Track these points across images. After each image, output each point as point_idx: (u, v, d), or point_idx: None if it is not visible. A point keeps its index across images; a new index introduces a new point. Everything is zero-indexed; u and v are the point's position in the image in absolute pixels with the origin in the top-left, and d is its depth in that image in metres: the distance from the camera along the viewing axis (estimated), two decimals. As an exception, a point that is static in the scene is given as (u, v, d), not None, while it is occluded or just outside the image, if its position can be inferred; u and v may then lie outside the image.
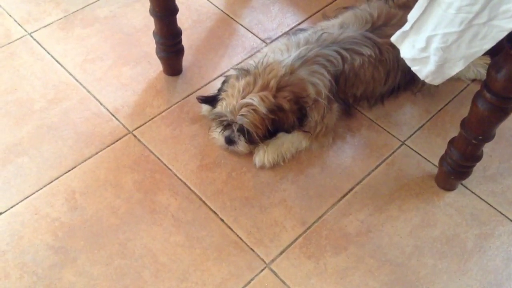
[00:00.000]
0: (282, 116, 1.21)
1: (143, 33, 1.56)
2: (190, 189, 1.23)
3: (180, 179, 1.24)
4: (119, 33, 1.57)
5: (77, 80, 1.44)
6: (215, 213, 1.19)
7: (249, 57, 1.51)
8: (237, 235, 1.15)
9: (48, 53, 1.50)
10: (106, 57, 1.50)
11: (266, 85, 1.20)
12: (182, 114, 1.38)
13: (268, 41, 1.56)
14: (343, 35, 1.30)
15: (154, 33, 1.37)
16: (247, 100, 1.18)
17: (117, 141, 1.31)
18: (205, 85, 1.45)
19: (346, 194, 1.23)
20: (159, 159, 1.28)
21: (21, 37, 1.54)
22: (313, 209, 1.20)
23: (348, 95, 1.34)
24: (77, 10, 1.62)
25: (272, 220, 1.18)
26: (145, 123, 1.35)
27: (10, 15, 1.60)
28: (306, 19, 1.64)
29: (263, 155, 1.26)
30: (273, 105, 1.19)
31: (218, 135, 1.26)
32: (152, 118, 1.36)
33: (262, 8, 1.66)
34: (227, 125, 1.23)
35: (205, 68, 1.49)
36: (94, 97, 1.40)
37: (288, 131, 1.27)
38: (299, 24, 1.62)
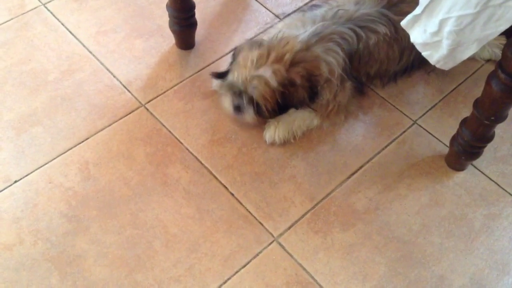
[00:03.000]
0: (293, 91, 1.21)
1: (156, 6, 1.55)
2: (201, 163, 1.24)
3: (191, 153, 1.26)
4: (132, 5, 1.56)
5: (90, 52, 1.45)
6: (225, 187, 1.20)
7: (262, 32, 1.50)
8: (247, 209, 1.17)
9: (61, 24, 1.51)
10: (119, 29, 1.50)
11: (280, 58, 1.19)
12: (194, 88, 1.38)
13: (282, 16, 1.55)
14: (359, 12, 1.29)
15: (167, 6, 1.36)
16: (259, 72, 1.18)
17: (129, 113, 1.33)
18: (218, 59, 1.45)
19: (356, 171, 1.24)
20: (171, 132, 1.29)
21: (35, 8, 1.54)
22: (322, 186, 1.21)
23: (361, 73, 1.33)
24: (92, -19, 1.62)
25: (281, 195, 1.20)
26: (158, 96, 1.36)
27: (24, -15, 1.60)
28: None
29: (274, 131, 1.26)
30: (285, 79, 1.18)
31: (227, 102, 1.25)
32: (164, 92, 1.37)
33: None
34: (238, 94, 1.22)
35: (217, 43, 1.49)
36: (107, 69, 1.41)
37: (297, 107, 1.27)
38: (313, -1, 1.60)
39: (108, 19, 1.52)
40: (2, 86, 1.36)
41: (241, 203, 1.18)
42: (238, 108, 1.23)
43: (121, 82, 1.39)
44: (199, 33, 1.46)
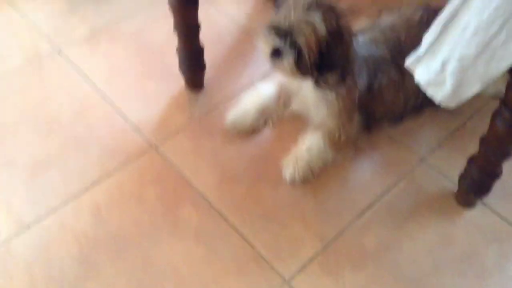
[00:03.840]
0: (338, 44, 1.14)
1: (168, 49, 1.59)
2: (211, 203, 1.25)
3: (201, 193, 1.27)
4: (144, 48, 1.61)
5: (103, 95, 1.49)
6: (234, 227, 1.21)
7: (269, 74, 1.53)
8: (256, 251, 1.17)
9: (75, 67, 1.55)
10: (131, 72, 1.54)
11: (334, 7, 1.14)
12: (203, 128, 1.41)
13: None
14: (376, 53, 1.28)
15: (177, 49, 1.40)
16: (309, 16, 1.10)
17: (140, 155, 1.35)
18: (227, 99, 1.48)
19: (366, 210, 1.24)
20: (181, 173, 1.31)
21: (49, 52, 1.59)
22: (332, 225, 1.21)
23: (369, 111, 1.33)
24: (104, 26, 1.67)
25: (291, 235, 1.20)
26: (168, 137, 1.39)
27: (39, 31, 1.66)
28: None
29: (294, 169, 1.26)
30: (334, 28, 1.12)
31: (267, 44, 1.16)
32: (175, 132, 1.40)
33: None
34: (281, 36, 1.14)
35: (226, 84, 1.52)
36: (119, 111, 1.44)
37: (328, 68, 1.18)
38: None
39: (120, 63, 1.57)
40: (17, 130, 1.40)
41: (251, 244, 1.18)
42: (277, 52, 1.14)
43: (132, 124, 1.42)
44: (208, 74, 1.50)
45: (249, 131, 1.38)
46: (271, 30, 1.14)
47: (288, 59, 1.13)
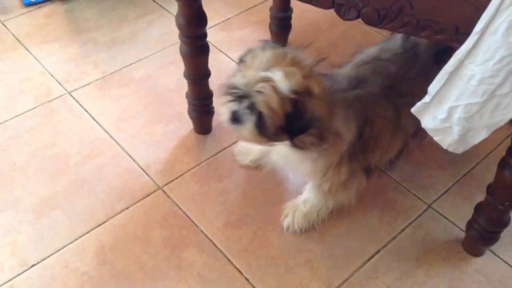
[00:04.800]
0: (307, 103, 0.97)
1: (176, 94, 1.64)
2: (216, 246, 1.24)
3: (206, 236, 1.26)
4: (153, 93, 1.65)
5: (111, 137, 1.51)
6: (240, 272, 1.19)
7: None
8: (263, 295, 1.15)
9: (85, 111, 1.58)
10: (140, 115, 1.57)
11: (299, 61, 1.00)
12: (210, 171, 1.42)
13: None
14: (365, 90, 1.13)
15: (186, 94, 1.44)
16: (267, 73, 0.96)
17: (147, 196, 1.35)
18: (233, 143, 1.49)
19: (373, 256, 1.23)
20: (186, 215, 1.31)
21: (61, 96, 1.63)
22: (339, 271, 1.20)
23: (363, 158, 1.21)
24: (114, 71, 1.72)
25: (298, 281, 1.18)
26: (175, 179, 1.39)
27: (51, 75, 1.70)
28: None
29: (291, 221, 1.25)
30: (300, 85, 0.96)
31: (225, 108, 1.02)
32: (181, 175, 1.40)
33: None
34: (239, 99, 0.99)
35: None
36: (127, 153, 1.46)
37: (298, 132, 1.01)
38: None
39: (129, 106, 1.60)
40: (25, 170, 1.41)
41: (262, 285, 1.16)
42: (236, 117, 1.00)
43: (139, 166, 1.43)
44: (216, 118, 1.52)
45: (251, 166, 1.40)
46: (229, 92, 1.01)
47: (247, 125, 0.99)
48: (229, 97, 1.01)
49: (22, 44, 1.81)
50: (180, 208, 1.32)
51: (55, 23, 1.91)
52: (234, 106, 1.00)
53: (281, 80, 0.95)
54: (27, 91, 1.64)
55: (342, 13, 1.01)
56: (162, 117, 1.58)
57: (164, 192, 1.37)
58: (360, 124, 1.10)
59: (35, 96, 1.62)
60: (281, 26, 1.76)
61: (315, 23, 1.91)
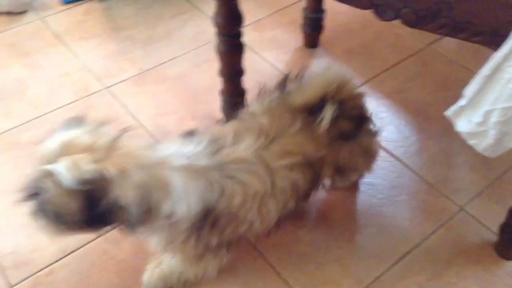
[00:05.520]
0: (105, 189, 0.84)
1: (209, 91, 1.67)
2: (248, 239, 1.27)
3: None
4: (188, 91, 1.69)
5: (148, 132, 1.55)
6: (271, 265, 1.22)
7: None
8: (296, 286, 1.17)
9: (122, 105, 1.63)
10: (175, 112, 1.61)
11: (90, 144, 0.86)
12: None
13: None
14: (234, 154, 0.98)
15: (220, 91, 1.47)
16: (48, 167, 0.83)
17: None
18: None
19: (404, 256, 1.23)
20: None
21: (99, 91, 1.68)
22: (369, 269, 1.21)
23: (219, 236, 1.02)
24: (151, 69, 1.76)
25: (328, 277, 1.20)
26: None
27: (90, 71, 1.76)
28: (363, 82, 1.70)
29: (148, 277, 1.13)
30: (90, 173, 0.83)
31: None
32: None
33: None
34: (33, 196, 0.88)
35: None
36: (162, 148, 1.50)
37: (106, 221, 0.89)
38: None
39: (165, 103, 1.64)
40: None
41: (287, 283, 1.18)
42: (35, 216, 0.89)
43: (174, 161, 1.46)
44: (249, 117, 1.55)
45: None
46: (24, 190, 0.88)
47: (43, 224, 0.89)
48: (25, 195, 0.88)
49: (62, 40, 1.87)
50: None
51: (93, 20, 1.97)
52: (30, 202, 0.88)
53: (64, 172, 0.82)
54: (66, 86, 1.70)
55: (380, 14, 1.03)
56: (196, 114, 1.61)
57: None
58: (208, 197, 0.94)
59: (74, 91, 1.68)
60: (313, 27, 1.78)
61: (347, 24, 1.92)
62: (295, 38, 1.86)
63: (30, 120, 1.57)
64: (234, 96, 1.46)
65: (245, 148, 0.98)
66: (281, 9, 2.03)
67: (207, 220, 0.96)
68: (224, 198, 0.95)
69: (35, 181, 0.86)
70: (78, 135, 0.88)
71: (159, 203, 0.90)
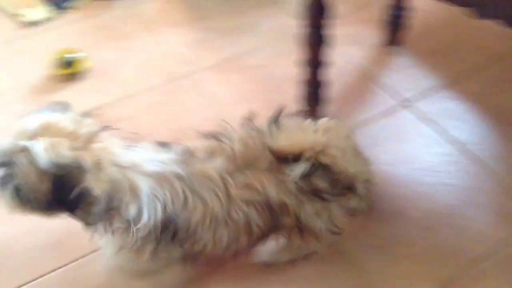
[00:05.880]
0: (76, 177, 0.84)
1: (288, 82, 1.71)
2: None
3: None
4: (267, 80, 1.74)
5: (227, 117, 1.59)
6: (348, 252, 1.24)
7: (378, 116, 1.58)
8: (364, 280, 1.19)
9: (205, 91, 1.70)
10: (255, 100, 1.67)
11: (72, 130, 0.88)
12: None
13: (405, 103, 1.63)
14: (200, 169, 0.97)
15: (302, 81, 1.50)
16: (26, 143, 0.84)
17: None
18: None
19: (481, 259, 1.22)
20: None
21: (184, 76, 1.76)
22: (444, 269, 1.21)
23: (179, 246, 1.00)
24: (232, 58, 1.83)
25: (402, 272, 1.21)
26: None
27: (175, 56, 1.84)
28: (445, 83, 1.69)
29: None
30: (66, 158, 0.84)
31: None
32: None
33: (400, 70, 1.75)
34: (4, 165, 0.87)
35: (339, 118, 1.59)
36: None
37: (71, 207, 0.88)
38: (436, 88, 1.68)
39: (244, 91, 1.70)
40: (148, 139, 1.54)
41: (360, 272, 1.21)
42: (1, 184, 0.88)
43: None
44: (325, 109, 1.58)
45: None
46: None
47: (6, 195, 0.88)
48: None
49: (150, 27, 1.97)
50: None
51: (179, 9, 2.06)
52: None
53: (41, 152, 0.82)
54: (154, 69, 1.79)
55: (481, 12, 1.03)
56: (275, 103, 1.63)
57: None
58: (171, 207, 0.93)
59: (161, 75, 1.77)
60: (395, 24, 1.78)
61: (431, 24, 1.90)
62: (376, 35, 1.87)
63: (121, 98, 1.67)
64: (315, 87, 1.49)
65: (213, 167, 0.97)
66: (362, 5, 2.04)
67: (167, 231, 0.94)
68: (185, 210, 0.94)
69: (8, 153, 0.85)
70: (61, 119, 0.89)
71: (126, 204, 0.89)
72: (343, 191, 1.03)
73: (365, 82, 1.73)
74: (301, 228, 1.05)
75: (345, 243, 1.26)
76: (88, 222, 0.90)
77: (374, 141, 1.52)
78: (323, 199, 1.01)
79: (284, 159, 0.98)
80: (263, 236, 1.06)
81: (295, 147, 0.98)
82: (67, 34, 1.93)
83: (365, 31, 1.91)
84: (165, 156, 0.97)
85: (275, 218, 1.01)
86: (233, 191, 0.96)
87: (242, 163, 0.98)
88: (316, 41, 1.39)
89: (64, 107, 0.94)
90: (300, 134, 1.02)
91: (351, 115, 1.61)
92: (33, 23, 1.96)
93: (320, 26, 1.35)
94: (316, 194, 1.01)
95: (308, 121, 1.07)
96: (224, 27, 1.97)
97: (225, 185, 0.96)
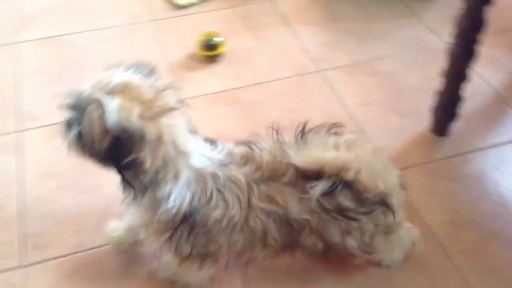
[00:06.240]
0: (135, 144, 0.87)
1: (417, 92, 1.70)
2: (438, 239, 1.28)
3: (429, 227, 1.30)
4: (395, 87, 1.74)
5: (350, 116, 1.64)
6: (458, 269, 1.21)
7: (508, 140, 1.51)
8: (479, 297, 1.16)
9: (332, 89, 1.75)
10: (380, 104, 1.68)
11: (149, 99, 0.89)
12: (441, 170, 1.45)
13: (542, 129, 1.55)
14: (233, 173, 0.99)
15: (437, 93, 1.49)
16: (101, 97, 0.86)
17: (376, 176, 1.45)
18: (467, 152, 1.50)
19: None
20: (411, 203, 1.36)
21: (313, 72, 1.82)
22: None
23: (195, 244, 1.03)
24: (363, 61, 1.85)
25: None
26: (405, 168, 1.46)
27: (307, 53, 1.91)
28: None
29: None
30: (131, 124, 0.85)
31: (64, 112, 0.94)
32: (412, 166, 1.47)
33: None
34: (77, 108, 0.91)
35: (471, 137, 1.55)
36: (362, 133, 1.58)
37: (119, 167, 0.90)
38: None
39: (371, 94, 1.72)
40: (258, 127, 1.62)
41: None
42: (66, 125, 0.93)
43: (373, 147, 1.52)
44: (455, 124, 1.55)
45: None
46: (69, 98, 0.93)
47: (70, 136, 0.92)
48: (67, 103, 0.93)
49: (286, 21, 2.06)
50: (406, 195, 1.39)
51: (316, 9, 2.13)
52: (69, 114, 0.93)
53: (112, 111, 0.85)
54: (285, 62, 1.87)
55: None
56: (400, 110, 1.66)
57: (393, 177, 1.44)
58: (197, 200, 0.96)
59: (291, 68, 1.84)
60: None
61: None
62: (516, 60, 1.79)
63: (251, 85, 1.77)
64: (451, 100, 1.47)
65: (243, 173, 0.99)
66: (503, 30, 1.97)
67: (186, 223, 0.97)
68: (207, 208, 0.97)
69: (83, 100, 0.88)
70: (142, 84, 0.90)
71: (164, 185, 0.93)
72: (373, 208, 1.00)
73: (499, 104, 1.67)
74: (328, 246, 1.05)
75: (456, 259, 1.23)
76: (129, 185, 0.93)
77: (500, 165, 1.47)
78: (349, 218, 0.99)
79: (306, 176, 0.97)
80: (279, 250, 1.06)
81: (314, 164, 0.96)
82: (210, 19, 2.08)
83: (503, 55, 1.84)
84: (213, 155, 1.00)
85: (293, 234, 1.01)
86: (255, 199, 0.98)
87: (268, 174, 0.99)
88: (462, 53, 1.37)
89: (150, 70, 0.95)
90: (319, 150, 0.99)
91: (483, 136, 1.56)
92: (183, 6, 2.14)
93: (469, 39, 1.34)
94: (341, 213, 0.98)
95: (332, 137, 1.04)
96: (358, 31, 2.00)
97: (249, 192, 0.98)
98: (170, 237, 1.00)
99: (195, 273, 1.12)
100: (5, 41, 1.93)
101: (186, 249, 1.02)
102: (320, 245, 1.05)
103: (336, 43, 1.95)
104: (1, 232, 1.31)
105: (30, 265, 1.24)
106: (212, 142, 1.04)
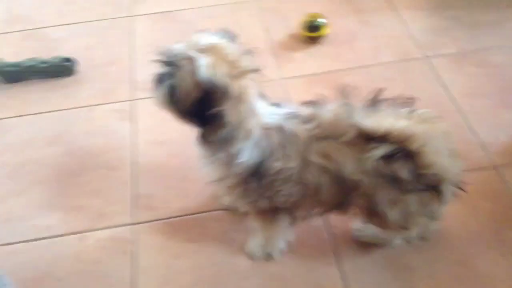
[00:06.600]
0: (219, 99, 0.97)
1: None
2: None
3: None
4: (506, 80, 1.66)
5: (456, 107, 1.59)
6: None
7: None
8: None
9: (437, 77, 1.70)
10: (490, 96, 1.61)
11: (235, 60, 0.99)
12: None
13: None
14: (295, 128, 1.05)
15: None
16: (196, 54, 0.97)
17: (480, 170, 1.41)
18: None
19: None
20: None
21: (418, 58, 1.78)
22: None
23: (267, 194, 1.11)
24: (471, 51, 1.78)
25: None
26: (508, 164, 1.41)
27: (412, 38, 1.86)
28: None
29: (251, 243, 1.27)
30: (219, 81, 0.96)
31: (157, 67, 1.04)
32: (520, 163, 1.41)
33: None
34: (167, 63, 1.02)
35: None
36: (468, 125, 1.53)
37: (201, 119, 1.01)
38: None
39: (480, 86, 1.65)
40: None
41: None
42: (158, 79, 1.04)
43: (480, 140, 1.48)
44: None
45: None
46: (163, 56, 1.03)
47: (161, 89, 1.03)
48: (161, 59, 1.02)
49: (392, 5, 2.02)
50: (510, 190, 1.34)
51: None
52: (162, 68, 1.02)
53: (203, 66, 0.95)
54: (388, 46, 1.84)
55: None
56: (510, 104, 1.58)
57: (498, 170, 1.39)
58: (263, 157, 1.04)
59: (394, 52, 1.81)
60: None
61: None
62: None
63: (353, 67, 1.77)
64: None
65: (304, 129, 1.04)
66: None
67: (255, 175, 1.05)
68: (271, 159, 1.04)
69: (177, 56, 0.99)
70: (229, 47, 1.01)
71: (238, 140, 1.02)
72: (426, 188, 1.01)
73: None
74: (371, 212, 1.07)
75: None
76: (207, 140, 1.05)
77: None
78: (401, 189, 1.00)
79: (369, 138, 0.99)
80: (329, 206, 1.11)
81: (382, 127, 0.98)
82: (314, 0, 2.08)
83: None
84: (279, 112, 1.07)
85: (345, 193, 1.04)
86: (312, 154, 1.03)
87: (328, 133, 1.03)
88: None
89: (233, 36, 1.05)
90: (391, 117, 1.01)
91: None
92: (287, -14, 2.16)
93: None
94: (394, 181, 1.00)
95: (406, 109, 1.05)
96: (467, 19, 1.91)
97: (307, 147, 1.03)
98: (244, 190, 1.10)
99: (276, 230, 1.22)
100: (122, 14, 2.07)
101: (258, 201, 1.11)
102: (365, 210, 1.09)
103: (443, 30, 1.88)
104: (117, 190, 1.43)
105: (140, 223, 1.35)
106: (278, 104, 1.11)
